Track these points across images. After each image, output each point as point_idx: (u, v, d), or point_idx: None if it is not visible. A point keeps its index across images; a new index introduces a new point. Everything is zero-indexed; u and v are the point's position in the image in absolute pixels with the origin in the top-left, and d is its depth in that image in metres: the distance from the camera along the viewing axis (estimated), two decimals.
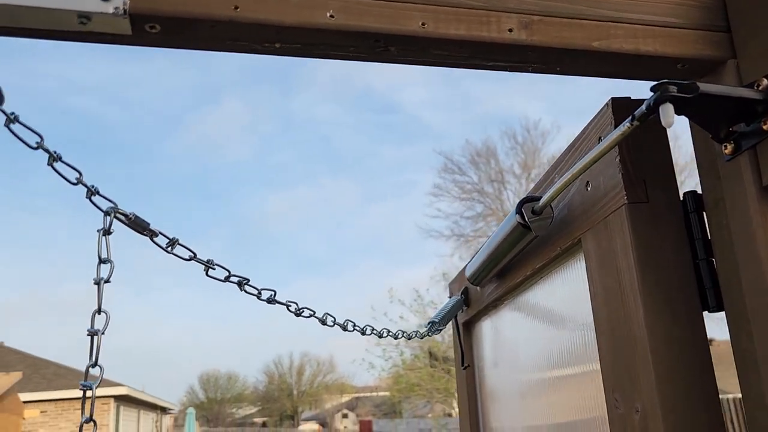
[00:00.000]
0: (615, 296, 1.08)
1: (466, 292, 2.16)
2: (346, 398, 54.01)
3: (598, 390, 1.21)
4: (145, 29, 0.80)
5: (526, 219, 1.28)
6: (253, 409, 56.87)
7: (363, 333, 1.43)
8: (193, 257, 0.99)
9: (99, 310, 0.84)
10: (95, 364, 0.83)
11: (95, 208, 0.87)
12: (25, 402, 15.75)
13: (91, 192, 0.87)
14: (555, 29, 0.89)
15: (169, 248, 0.95)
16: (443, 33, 0.86)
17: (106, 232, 0.85)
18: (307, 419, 52.71)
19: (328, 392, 54.20)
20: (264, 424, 52.26)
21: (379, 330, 1.52)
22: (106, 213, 0.87)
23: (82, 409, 0.78)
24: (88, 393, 0.82)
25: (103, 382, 18.73)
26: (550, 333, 1.51)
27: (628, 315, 1.01)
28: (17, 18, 0.76)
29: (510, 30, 0.88)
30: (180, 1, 0.79)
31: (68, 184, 0.78)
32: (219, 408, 53.82)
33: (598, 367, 1.19)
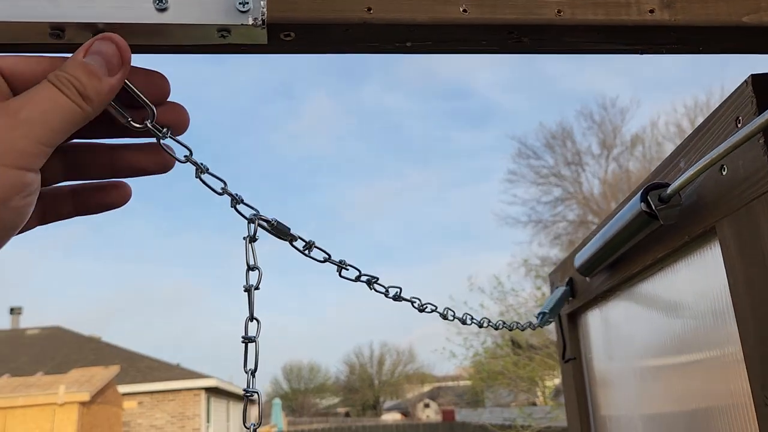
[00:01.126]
0: (762, 286, 1.01)
1: (571, 283, 2.10)
2: (427, 388, 54.21)
3: (730, 383, 1.15)
4: (280, 37, 0.81)
5: (653, 207, 1.22)
6: (336, 400, 58.01)
7: (480, 326, 1.41)
8: (328, 259, 1.00)
9: (251, 318, 0.85)
10: (255, 371, 0.84)
11: (239, 216, 0.89)
12: (123, 394, 16.65)
13: (236, 201, 0.88)
14: (700, 6, 0.84)
15: (306, 251, 0.96)
16: (581, 19, 0.82)
17: (252, 239, 0.86)
18: (390, 409, 53.30)
19: (409, 382, 54.56)
20: (347, 414, 53.22)
21: (494, 322, 1.50)
22: (250, 220, 0.88)
23: (244, 416, 0.80)
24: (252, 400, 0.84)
25: (194, 375, 19.55)
26: (673, 323, 1.45)
27: None
28: (163, 36, 0.78)
29: (651, 11, 0.83)
30: (314, 8, 0.78)
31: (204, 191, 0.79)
32: (303, 398, 55.21)
33: (732, 360, 1.13)
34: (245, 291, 0.84)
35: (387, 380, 54.99)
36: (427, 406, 50.81)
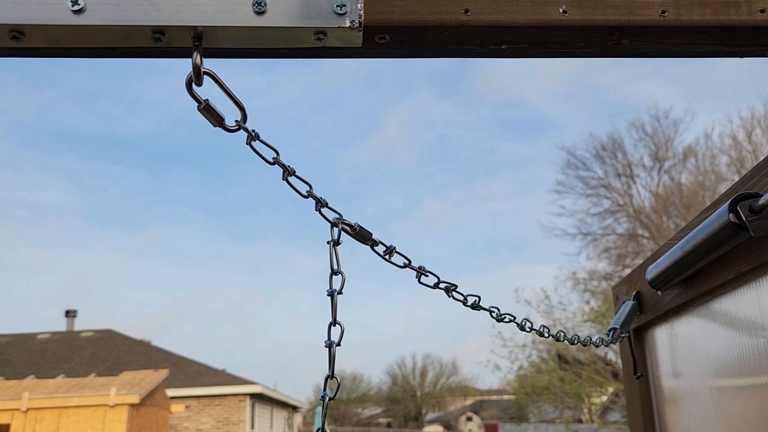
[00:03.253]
0: None
1: (638, 297, 2.03)
2: (469, 401, 53.62)
3: None
4: (375, 40, 0.80)
5: (744, 218, 1.17)
6: (378, 410, 57.88)
7: (557, 339, 1.38)
8: (408, 264, 0.99)
9: (334, 322, 0.84)
10: (332, 376, 0.83)
11: (323, 219, 0.88)
12: (171, 398, 16.95)
13: (321, 204, 0.87)
14: None
15: (387, 256, 0.95)
16: (686, 20, 0.79)
17: (336, 243, 0.85)
18: (432, 421, 52.87)
19: (452, 394, 54.06)
20: (389, 425, 53.02)
21: (569, 337, 1.46)
22: (334, 224, 0.87)
23: (323, 420, 0.78)
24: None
25: (240, 381, 19.80)
26: (756, 342, 1.38)
27: None
28: (260, 39, 0.78)
29: (762, 11, 0.79)
30: (412, 10, 0.77)
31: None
32: (345, 408, 55.25)
33: None
34: (328, 295, 0.83)
35: (429, 392, 54.61)
36: (469, 419, 50.22)
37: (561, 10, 0.78)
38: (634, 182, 23.92)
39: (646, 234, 23.11)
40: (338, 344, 0.82)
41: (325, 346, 0.83)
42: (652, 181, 23.73)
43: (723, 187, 21.50)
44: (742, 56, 0.89)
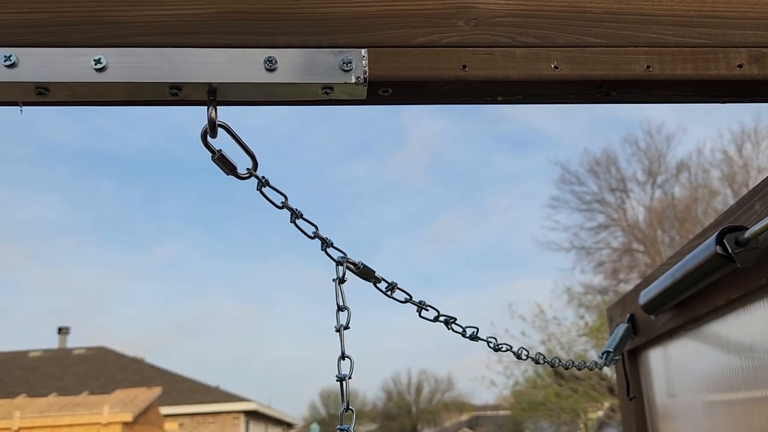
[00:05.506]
0: None
1: (632, 319, 2.08)
2: (465, 417, 53.38)
3: None
4: (379, 93, 0.85)
5: (730, 250, 1.22)
6: (373, 426, 57.51)
7: (552, 366, 1.42)
8: (409, 299, 1.03)
9: (343, 356, 0.88)
10: (347, 408, 0.87)
11: (328, 258, 0.92)
12: (164, 415, 16.84)
13: (326, 244, 0.92)
14: None
15: (389, 292, 0.99)
16: (669, 75, 0.84)
17: (341, 281, 0.90)
18: None
19: (447, 410, 53.81)
20: None
21: (565, 362, 1.50)
22: (339, 263, 0.91)
23: None
24: None
25: (234, 398, 19.65)
26: (746, 366, 1.43)
27: None
28: (271, 94, 0.83)
29: (740, 66, 0.85)
30: (413, 66, 0.82)
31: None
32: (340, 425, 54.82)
33: None
34: (336, 331, 0.88)
35: (425, 408, 54.33)
36: None
37: (552, 66, 0.83)
38: (628, 197, 24.08)
39: (641, 248, 23.21)
40: (349, 377, 0.86)
41: (337, 380, 0.87)
42: (646, 195, 23.89)
43: (716, 202, 21.65)
44: (722, 103, 0.94)
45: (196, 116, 0.82)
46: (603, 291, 21.67)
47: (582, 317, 17.50)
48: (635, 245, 23.50)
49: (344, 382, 0.85)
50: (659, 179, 23.61)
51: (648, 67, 0.84)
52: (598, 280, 23.30)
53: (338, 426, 0.83)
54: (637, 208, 23.98)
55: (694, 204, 22.43)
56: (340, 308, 0.88)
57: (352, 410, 0.85)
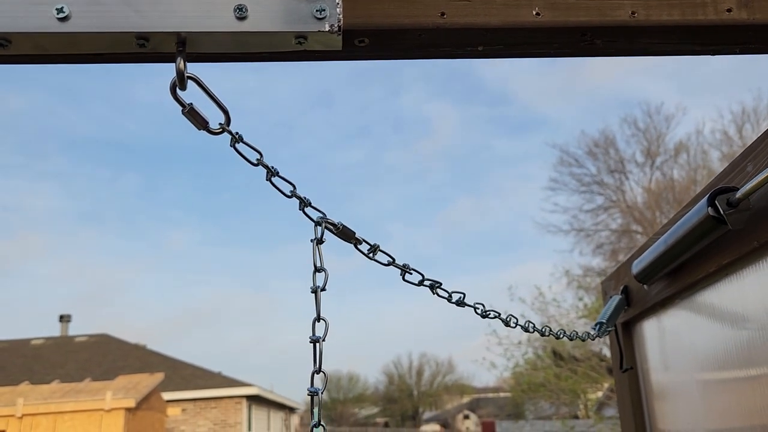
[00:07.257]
0: None
1: (626, 291, 2.06)
2: (466, 399, 53.71)
3: None
4: (355, 43, 0.82)
5: (722, 212, 1.19)
6: (375, 410, 57.89)
7: (542, 334, 1.40)
8: (392, 262, 1.01)
9: (318, 318, 0.86)
10: (319, 371, 0.85)
11: (306, 218, 0.90)
12: (167, 401, 16.92)
13: (304, 203, 0.89)
14: None
15: (371, 254, 0.97)
16: (655, 20, 0.81)
17: (319, 241, 0.88)
18: (429, 420, 52.93)
19: (448, 393, 54.15)
20: (386, 425, 53.05)
21: (556, 331, 1.49)
22: (317, 223, 0.89)
23: (312, 413, 0.80)
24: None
25: (236, 383, 19.78)
26: (740, 334, 1.41)
27: None
28: (243, 44, 0.80)
29: (728, 10, 0.82)
30: (390, 13, 0.80)
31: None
32: (342, 408, 55.27)
33: None
34: (312, 292, 0.86)
35: (426, 391, 54.67)
36: (466, 417, 50.28)
37: (534, 12, 0.80)
38: (627, 178, 24.04)
39: (640, 229, 23.21)
40: (323, 340, 0.84)
41: (310, 342, 0.85)
42: (645, 176, 23.85)
43: None
44: (713, 54, 0.91)
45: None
46: (602, 273, 21.69)
47: (581, 299, 17.53)
48: (634, 227, 23.51)
49: (317, 344, 0.83)
50: (658, 160, 23.56)
51: (633, 12, 0.81)
52: (597, 262, 23.34)
53: (308, 387, 0.81)
54: (636, 190, 23.96)
55: (693, 185, 22.40)
56: (317, 269, 0.85)
57: (324, 373, 0.83)
